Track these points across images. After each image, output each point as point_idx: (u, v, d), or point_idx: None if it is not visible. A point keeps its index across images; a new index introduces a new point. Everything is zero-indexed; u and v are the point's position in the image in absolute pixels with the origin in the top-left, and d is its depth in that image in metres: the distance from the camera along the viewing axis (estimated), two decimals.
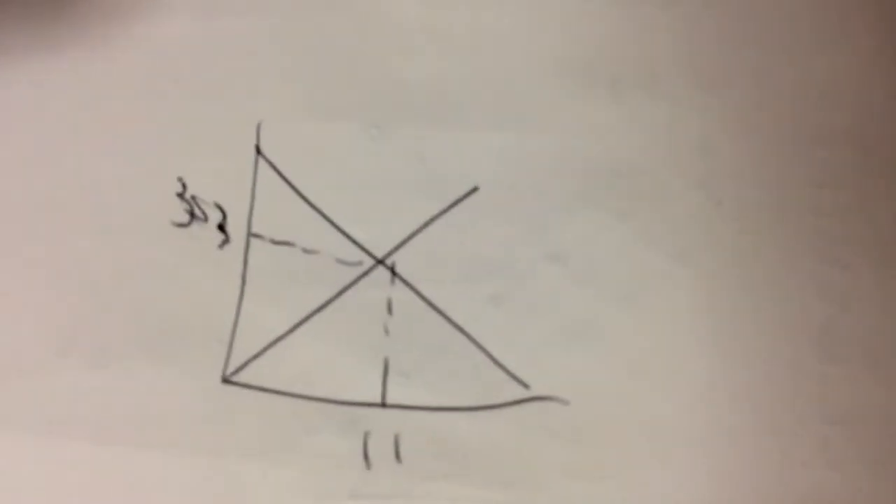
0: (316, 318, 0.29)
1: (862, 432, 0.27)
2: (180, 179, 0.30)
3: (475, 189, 0.29)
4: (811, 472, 0.27)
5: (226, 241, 0.29)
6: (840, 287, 0.28)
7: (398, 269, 0.29)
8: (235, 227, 0.30)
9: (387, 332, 0.28)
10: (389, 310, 0.29)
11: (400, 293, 0.29)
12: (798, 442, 0.27)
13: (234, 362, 0.28)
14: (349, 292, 0.29)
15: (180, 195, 0.30)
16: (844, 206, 0.28)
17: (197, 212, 0.30)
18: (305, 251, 0.29)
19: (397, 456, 0.28)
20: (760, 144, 0.29)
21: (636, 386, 0.28)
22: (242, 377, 0.28)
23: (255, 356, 0.28)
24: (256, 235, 0.29)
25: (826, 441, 0.27)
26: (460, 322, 0.28)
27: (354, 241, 0.29)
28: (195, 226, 0.30)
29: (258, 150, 0.30)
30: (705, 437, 0.27)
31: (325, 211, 0.29)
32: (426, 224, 0.29)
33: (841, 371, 0.27)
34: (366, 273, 0.29)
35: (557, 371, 0.28)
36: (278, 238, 0.29)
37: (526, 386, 0.28)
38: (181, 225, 0.30)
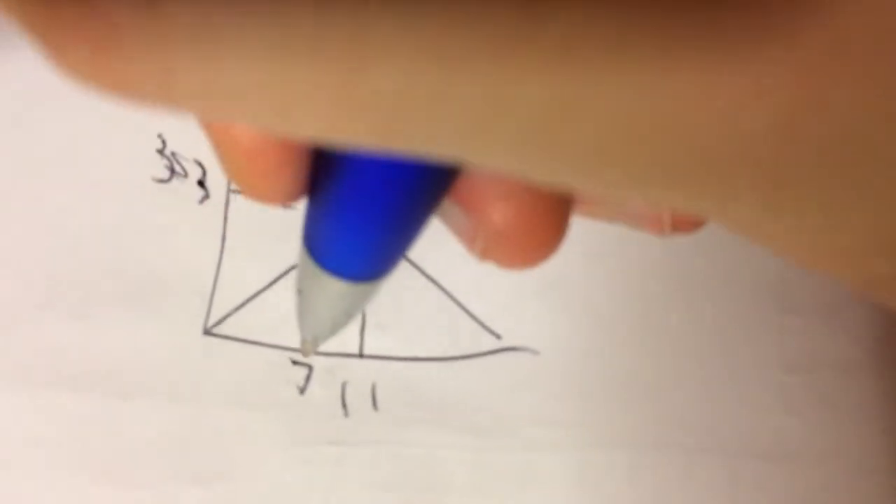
0: (295, 272, 0.29)
1: (818, 379, 0.28)
2: (160, 136, 0.31)
3: None
4: (771, 418, 0.28)
5: (206, 196, 0.30)
6: None
7: None
8: (215, 183, 0.30)
9: None
10: None
11: None
12: (758, 389, 0.28)
13: (215, 315, 0.29)
14: None
15: (160, 151, 0.30)
16: None
17: (177, 168, 0.30)
18: (284, 206, 0.30)
19: (374, 404, 0.29)
20: None
21: (603, 338, 0.29)
22: (223, 329, 0.29)
23: (236, 309, 0.29)
24: (236, 191, 0.30)
25: (784, 388, 0.28)
26: (434, 275, 0.29)
27: None
28: (175, 181, 0.30)
29: None
30: (668, 386, 0.28)
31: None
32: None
33: (798, 321, 0.28)
34: None
35: (528, 323, 0.29)
36: None
37: (498, 336, 0.29)
38: (162, 181, 0.30)
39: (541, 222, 0.14)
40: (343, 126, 0.09)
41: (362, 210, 0.13)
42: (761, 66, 0.08)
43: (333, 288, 0.15)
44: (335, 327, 0.17)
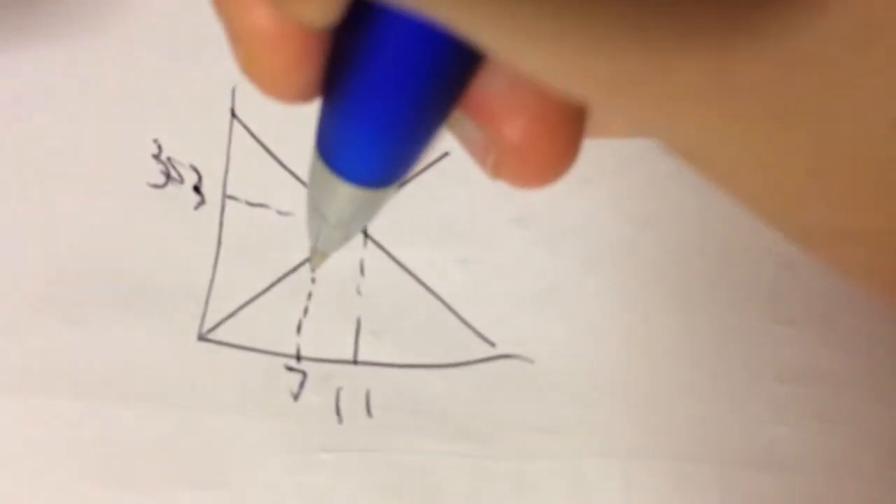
0: (290, 278, 0.29)
1: (811, 390, 0.28)
2: (156, 141, 0.31)
3: (445, 154, 0.30)
4: (764, 428, 0.28)
5: (201, 202, 0.30)
6: (792, 252, 0.29)
7: (370, 232, 0.30)
8: (211, 189, 0.30)
9: (359, 292, 0.29)
10: (362, 271, 0.30)
11: (372, 255, 0.30)
12: (751, 399, 0.28)
13: (210, 320, 0.29)
14: None
15: (156, 157, 0.30)
16: None
17: (173, 173, 0.30)
18: (280, 213, 0.30)
19: (368, 411, 0.29)
20: None
21: (597, 346, 0.29)
22: (218, 335, 0.29)
23: (231, 314, 0.29)
24: (232, 197, 0.30)
25: (778, 398, 0.28)
26: (430, 283, 0.29)
27: None
28: (171, 187, 0.30)
29: (233, 114, 0.31)
30: (662, 395, 0.28)
31: (300, 174, 0.30)
32: (398, 188, 0.30)
33: (791, 331, 0.29)
34: None
35: (522, 331, 0.29)
36: (253, 200, 0.30)
37: (492, 344, 0.29)
38: (157, 186, 0.30)
39: (553, 138, 0.14)
40: None
41: (378, 107, 0.13)
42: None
43: (346, 193, 0.15)
44: (346, 236, 0.17)
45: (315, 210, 0.16)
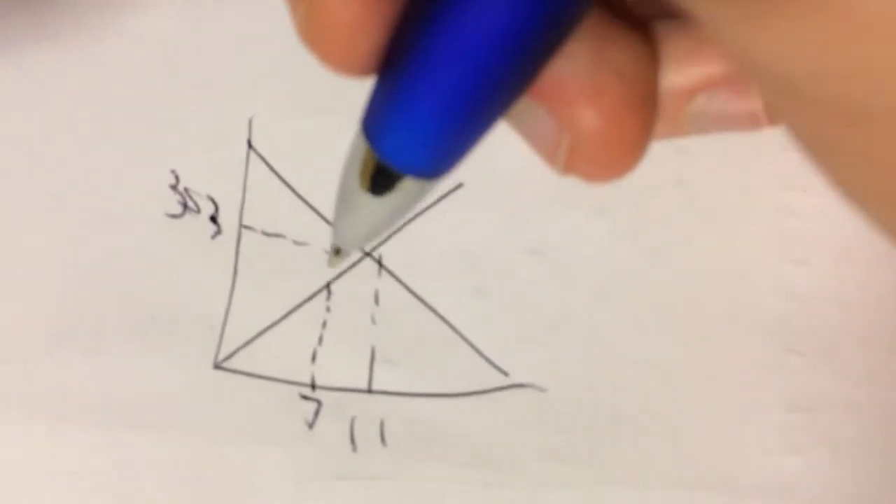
0: (305, 308, 0.30)
1: (820, 419, 0.29)
2: (173, 172, 0.31)
3: (460, 185, 0.30)
4: (773, 458, 0.28)
5: (218, 232, 0.30)
6: (800, 283, 0.30)
7: (385, 262, 0.30)
8: (227, 219, 0.31)
9: (374, 321, 0.30)
10: (376, 300, 0.30)
11: (386, 284, 0.30)
12: (760, 429, 0.29)
13: (226, 349, 0.30)
14: (338, 283, 0.30)
15: (173, 187, 0.31)
16: (808, 207, 0.30)
17: (190, 203, 0.31)
18: (296, 243, 0.30)
19: (382, 439, 0.29)
20: (733, 147, 0.30)
21: (609, 375, 0.29)
22: (233, 363, 0.29)
23: (246, 343, 0.30)
24: (248, 227, 0.30)
25: (787, 427, 0.29)
26: (444, 313, 0.30)
27: None
28: (188, 217, 0.31)
29: (250, 145, 0.31)
30: (673, 425, 0.29)
31: (315, 204, 0.30)
32: (412, 218, 0.30)
33: (800, 362, 0.29)
34: (354, 265, 0.30)
35: (535, 360, 0.29)
36: (269, 230, 0.30)
37: (505, 374, 0.29)
38: (174, 216, 0.31)
39: (629, 125, 0.14)
40: None
41: (442, 85, 0.12)
42: None
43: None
44: (375, 231, 0.15)
45: (347, 198, 0.15)
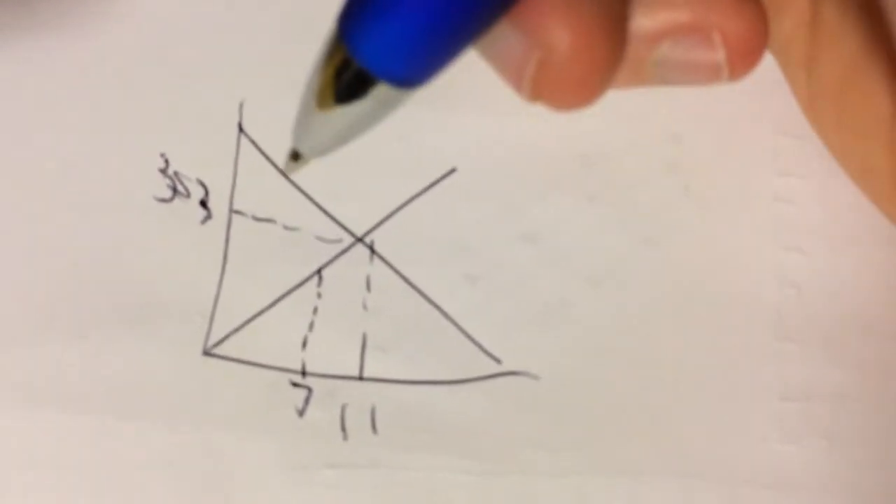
0: (296, 294, 0.29)
1: (815, 408, 0.28)
2: (163, 155, 0.31)
3: (453, 170, 0.30)
4: (768, 446, 0.28)
5: (208, 217, 0.30)
6: (796, 271, 0.29)
7: (377, 247, 0.30)
8: (218, 204, 0.30)
9: (365, 307, 0.29)
10: (368, 287, 0.30)
11: (378, 271, 0.30)
12: (755, 417, 0.28)
13: (215, 335, 0.29)
14: (329, 269, 0.30)
15: (163, 171, 0.30)
16: (804, 194, 0.30)
17: (179, 188, 0.30)
18: (286, 228, 0.30)
19: (374, 427, 0.28)
20: (727, 134, 0.30)
21: (602, 363, 0.29)
22: (223, 350, 0.29)
23: (236, 330, 0.29)
24: (238, 212, 0.30)
25: (783, 416, 0.28)
26: (436, 299, 0.29)
27: (334, 220, 0.30)
28: (177, 201, 0.30)
29: (241, 129, 0.31)
30: (667, 413, 0.28)
31: (307, 189, 0.30)
32: (405, 204, 0.30)
33: (796, 349, 0.29)
34: (345, 250, 0.30)
35: (528, 348, 0.29)
36: (260, 215, 0.30)
37: (498, 361, 0.29)
38: (163, 200, 0.30)
39: (599, 46, 0.14)
40: None
41: None
42: None
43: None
44: (339, 139, 0.15)
45: (314, 101, 0.14)
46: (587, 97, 0.14)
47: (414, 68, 0.13)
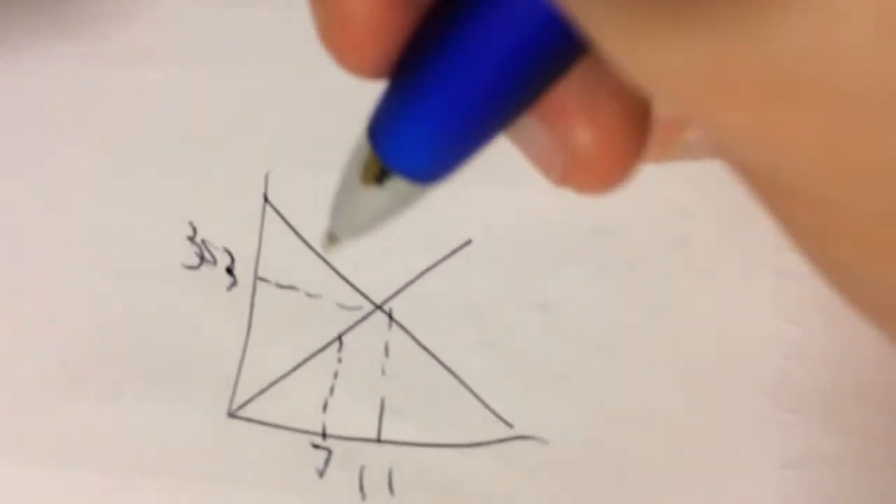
0: (318, 358, 0.31)
1: (814, 475, 0.30)
2: (191, 224, 0.32)
3: (469, 242, 0.31)
4: None
5: (233, 283, 0.31)
6: (796, 342, 0.31)
7: (395, 315, 0.31)
8: (243, 271, 0.31)
9: (383, 372, 0.31)
10: (386, 352, 0.31)
11: (397, 337, 0.31)
12: (756, 484, 0.30)
13: (240, 398, 0.30)
14: (349, 335, 0.31)
15: (191, 239, 0.32)
16: (803, 269, 0.31)
17: (206, 255, 0.32)
18: (309, 295, 0.31)
19: (391, 488, 0.30)
20: (734, 211, 0.31)
21: (611, 430, 0.30)
22: (247, 412, 0.30)
23: (260, 392, 0.30)
24: (263, 279, 0.31)
25: (782, 484, 0.30)
26: (451, 365, 0.31)
27: (355, 288, 0.31)
28: (205, 268, 0.32)
29: (266, 199, 0.32)
30: (672, 479, 0.30)
31: (329, 258, 0.31)
32: (422, 273, 0.31)
33: (795, 419, 0.30)
34: (365, 317, 0.31)
35: (539, 413, 0.30)
36: (283, 282, 0.31)
37: (510, 426, 0.30)
38: (191, 267, 0.32)
39: (622, 142, 0.14)
40: None
41: (450, 94, 0.13)
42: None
43: (387, 183, 0.14)
44: (370, 227, 0.16)
45: (346, 194, 0.15)
46: (614, 184, 0.15)
47: (433, 169, 0.14)
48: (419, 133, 0.13)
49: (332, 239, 0.17)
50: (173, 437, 0.30)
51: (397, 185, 0.14)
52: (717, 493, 0.29)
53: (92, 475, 0.30)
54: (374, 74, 0.14)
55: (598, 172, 0.15)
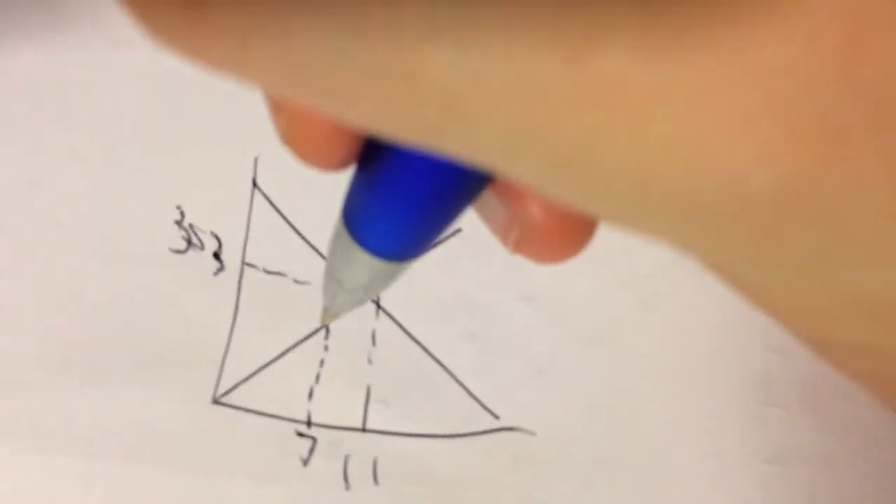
0: (304, 346, 0.31)
1: (798, 471, 0.30)
2: (179, 208, 0.32)
3: (458, 230, 0.31)
4: None
5: (221, 269, 0.31)
6: (783, 337, 0.31)
7: (383, 303, 0.31)
8: (230, 256, 0.31)
9: (370, 361, 0.30)
10: (373, 341, 0.31)
11: (384, 326, 0.31)
12: (741, 479, 0.30)
13: (225, 384, 0.30)
14: (336, 323, 0.31)
15: (178, 223, 0.31)
16: None
17: (194, 240, 0.31)
18: (297, 282, 0.31)
19: (375, 478, 0.30)
20: None
21: (597, 421, 0.30)
22: (232, 399, 0.30)
23: (245, 379, 0.30)
24: (250, 265, 0.31)
25: (767, 478, 0.30)
26: (438, 355, 0.31)
27: None
28: (192, 253, 0.31)
29: (255, 184, 0.32)
30: (655, 472, 0.30)
31: (317, 245, 0.31)
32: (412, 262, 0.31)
33: (780, 414, 0.30)
34: None
35: (525, 404, 0.30)
36: (271, 268, 0.31)
37: (496, 417, 0.30)
38: (178, 252, 0.31)
39: (574, 218, 0.15)
40: (397, 120, 0.10)
41: (406, 191, 0.14)
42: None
43: (365, 262, 0.16)
44: (358, 301, 0.17)
45: (332, 274, 0.17)
46: (565, 255, 0.16)
47: (403, 250, 0.16)
48: (385, 219, 0.15)
49: (328, 314, 0.19)
50: (157, 424, 0.30)
51: (376, 264, 0.16)
52: (700, 486, 0.30)
53: (74, 462, 0.29)
54: (337, 169, 0.15)
55: (548, 245, 0.16)
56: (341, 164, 0.14)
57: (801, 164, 0.09)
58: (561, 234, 0.15)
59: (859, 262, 0.11)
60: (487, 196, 0.15)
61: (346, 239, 0.15)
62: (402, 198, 0.14)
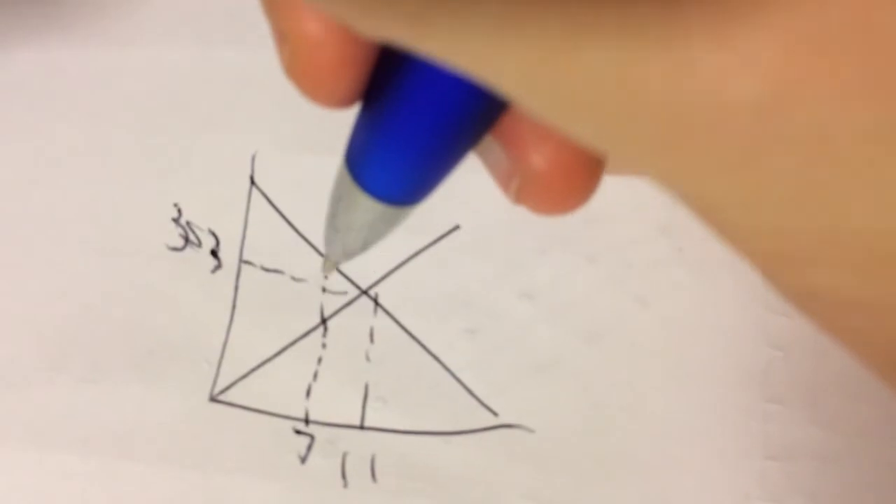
0: (301, 343, 0.30)
1: (799, 467, 0.30)
2: (176, 205, 0.32)
3: (456, 227, 0.31)
4: (753, 503, 0.29)
5: (218, 266, 0.31)
6: (783, 333, 0.31)
7: (381, 300, 0.31)
8: (228, 254, 0.31)
9: (368, 358, 0.30)
10: (371, 338, 0.31)
11: (382, 323, 0.31)
12: (741, 475, 0.29)
13: (222, 382, 0.30)
14: (334, 320, 0.31)
15: (176, 220, 0.31)
16: None
17: (191, 237, 0.31)
18: (294, 279, 0.31)
19: (373, 475, 0.29)
20: None
21: (596, 419, 0.30)
22: (229, 396, 0.30)
23: (243, 377, 0.30)
24: (248, 262, 0.31)
25: (766, 474, 0.29)
26: (437, 352, 0.30)
27: (341, 272, 0.31)
28: (189, 250, 0.31)
29: (252, 181, 0.32)
30: (654, 469, 0.30)
31: (315, 242, 0.31)
32: (409, 258, 0.31)
33: (781, 410, 0.30)
34: (350, 302, 0.31)
35: (524, 401, 0.30)
36: (269, 265, 0.31)
37: (495, 414, 0.30)
38: (176, 249, 0.31)
39: (576, 168, 0.15)
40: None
41: (412, 128, 0.14)
42: (747, 40, 0.09)
43: (367, 208, 0.15)
44: (360, 249, 0.17)
45: (333, 220, 0.17)
46: (567, 208, 0.15)
47: (406, 193, 0.15)
48: (388, 161, 0.14)
49: (329, 264, 0.18)
50: (154, 421, 0.30)
51: (378, 208, 0.15)
52: (700, 482, 0.29)
53: (71, 459, 0.29)
54: (341, 106, 0.14)
55: (550, 194, 0.15)
56: (345, 100, 0.14)
57: (785, 74, 0.09)
58: (562, 183, 0.15)
59: (840, 194, 0.11)
60: (489, 142, 0.15)
61: (348, 182, 0.15)
62: (405, 137, 0.14)
